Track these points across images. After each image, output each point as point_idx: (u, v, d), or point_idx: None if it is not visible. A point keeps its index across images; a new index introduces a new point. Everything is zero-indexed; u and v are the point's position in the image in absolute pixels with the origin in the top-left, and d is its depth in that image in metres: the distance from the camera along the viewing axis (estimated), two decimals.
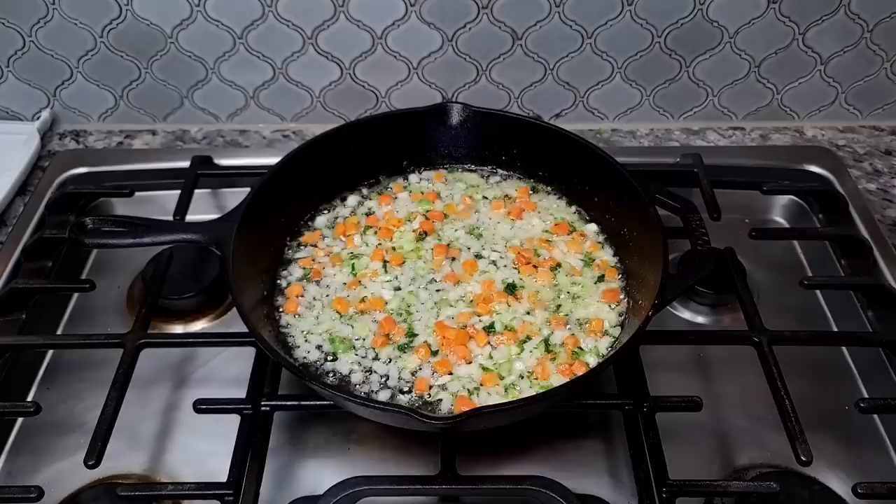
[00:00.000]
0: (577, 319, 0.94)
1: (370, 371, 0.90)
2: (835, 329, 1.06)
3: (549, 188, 1.11)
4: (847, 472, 0.88)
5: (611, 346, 0.92)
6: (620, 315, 0.95)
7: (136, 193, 1.16)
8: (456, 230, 1.06)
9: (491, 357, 0.90)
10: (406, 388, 0.88)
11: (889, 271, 1.04)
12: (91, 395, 0.95)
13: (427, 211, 1.08)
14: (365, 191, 1.12)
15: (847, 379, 1.00)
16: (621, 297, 0.97)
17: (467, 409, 0.81)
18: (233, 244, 0.90)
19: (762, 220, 1.21)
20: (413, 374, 0.89)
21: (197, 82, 1.33)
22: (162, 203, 1.17)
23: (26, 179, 1.27)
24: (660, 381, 0.90)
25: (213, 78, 1.32)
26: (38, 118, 1.35)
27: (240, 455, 0.84)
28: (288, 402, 0.90)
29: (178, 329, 1.05)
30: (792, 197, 1.20)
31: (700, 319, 1.07)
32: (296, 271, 1.01)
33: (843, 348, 1.03)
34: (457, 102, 1.09)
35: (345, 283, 0.99)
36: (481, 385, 0.88)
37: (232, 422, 0.87)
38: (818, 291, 1.10)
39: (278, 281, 1.00)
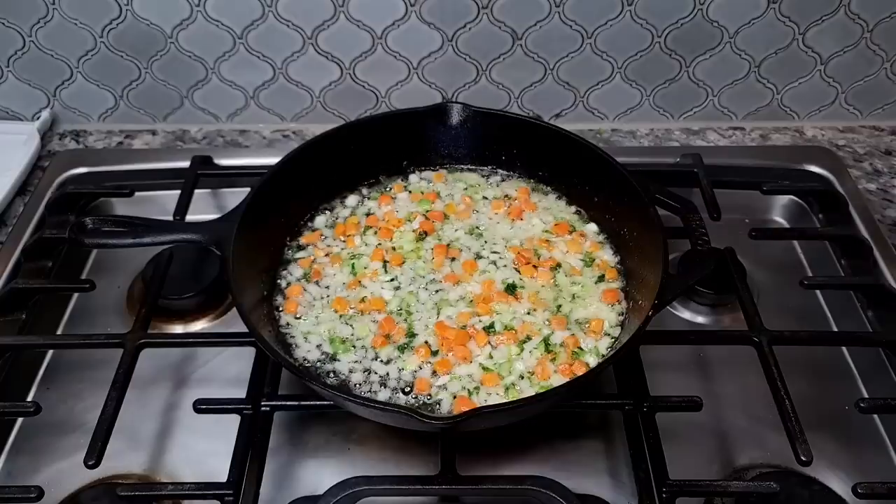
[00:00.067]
0: (577, 319, 0.94)
1: (370, 371, 0.90)
2: (835, 329, 1.06)
3: (549, 188, 1.11)
4: (847, 472, 0.88)
5: (611, 346, 0.92)
6: (620, 315, 0.95)
7: (136, 193, 1.16)
8: (456, 230, 1.06)
9: (491, 357, 0.90)
10: (406, 388, 0.88)
11: (889, 271, 1.04)
12: (91, 395, 0.95)
13: (427, 211, 1.08)
14: (365, 191, 1.12)
15: (847, 379, 1.00)
16: (621, 297, 0.97)
17: (467, 409, 0.81)
18: (233, 244, 0.90)
19: (762, 220, 1.21)
20: (413, 374, 0.89)
21: (197, 82, 1.33)
22: (162, 203, 1.17)
23: (26, 179, 1.27)
24: (660, 381, 0.90)
25: (213, 78, 1.32)
26: (38, 118, 1.35)
27: (240, 455, 0.84)
28: (288, 402, 0.90)
29: (178, 329, 1.05)
30: (792, 197, 1.20)
31: (700, 319, 1.07)
32: (296, 271, 1.01)
33: (843, 348, 1.03)
34: (457, 102, 1.09)
35: (345, 283, 0.99)
36: (481, 385, 0.88)
37: (232, 422, 0.87)
38: (818, 291, 1.10)
39: (278, 281, 1.00)
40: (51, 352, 1.03)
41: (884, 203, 1.24)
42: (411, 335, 0.93)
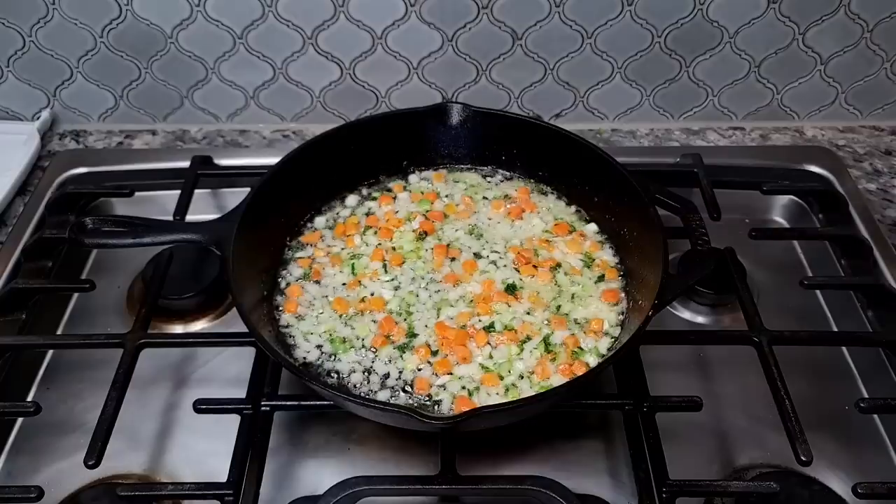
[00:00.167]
0: (576, 319, 0.94)
1: (370, 371, 0.90)
2: (835, 329, 1.06)
3: (549, 188, 1.11)
4: (847, 472, 0.88)
5: (611, 347, 0.92)
6: (620, 315, 0.95)
7: (136, 193, 1.16)
8: (456, 230, 1.06)
9: (491, 357, 0.90)
10: (406, 388, 0.88)
11: (889, 271, 1.04)
12: (91, 395, 0.95)
13: (427, 211, 1.08)
14: (365, 191, 1.12)
15: (847, 379, 1.00)
16: (621, 297, 0.97)
17: (467, 409, 0.81)
18: (233, 244, 0.90)
19: (762, 220, 1.21)
20: (413, 374, 0.89)
21: (197, 82, 1.33)
22: (162, 203, 1.17)
23: (26, 179, 1.27)
24: (660, 381, 0.90)
25: (213, 78, 1.32)
26: (38, 118, 1.35)
27: (240, 455, 0.84)
28: (288, 402, 0.90)
29: (178, 329, 1.05)
30: (792, 197, 1.20)
31: (700, 319, 1.07)
32: (296, 271, 1.01)
33: (843, 348, 1.03)
34: (457, 102, 1.09)
35: (345, 283, 0.99)
36: (481, 385, 0.88)
37: (232, 422, 0.87)
38: (818, 291, 1.10)
39: (278, 281, 1.00)
40: (51, 352, 1.03)
41: (884, 203, 1.24)
42: (411, 335, 0.93)
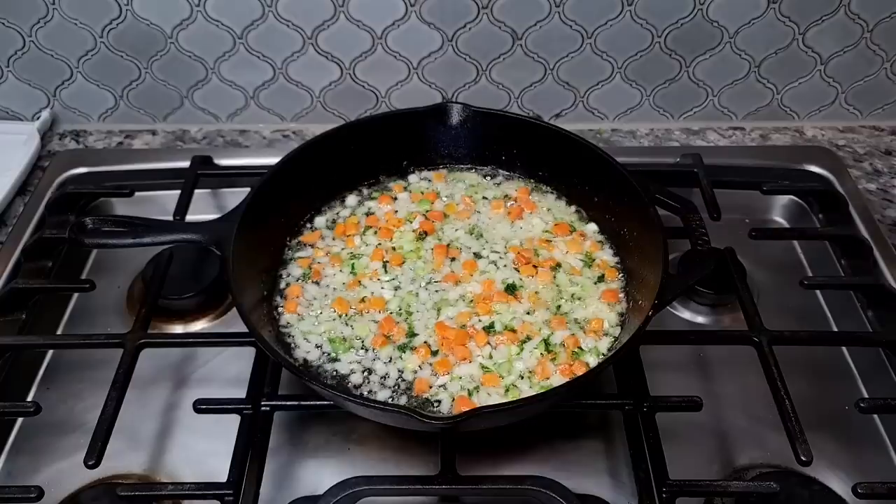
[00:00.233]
0: (576, 319, 0.94)
1: (370, 371, 0.90)
2: (835, 329, 1.06)
3: (549, 188, 1.11)
4: (847, 472, 0.88)
5: (611, 346, 0.92)
6: (620, 315, 0.95)
7: (136, 193, 1.16)
8: (456, 230, 1.06)
9: (491, 357, 0.90)
10: (406, 388, 0.88)
11: (889, 271, 1.04)
12: (91, 395, 0.95)
13: (427, 211, 1.08)
14: (365, 191, 1.12)
15: (847, 379, 1.00)
16: (621, 297, 0.97)
17: (467, 409, 0.81)
18: (233, 244, 0.90)
19: (762, 220, 1.21)
20: (413, 374, 0.89)
21: (197, 82, 1.33)
22: (162, 203, 1.17)
23: (26, 179, 1.27)
24: (660, 381, 0.90)
25: (213, 78, 1.32)
26: (38, 118, 1.35)
27: (240, 455, 0.84)
28: (288, 402, 0.90)
29: (178, 329, 1.05)
30: (792, 197, 1.20)
31: (700, 319, 1.07)
32: (296, 271, 1.01)
33: (843, 348, 1.03)
34: (457, 102, 1.09)
35: (345, 283, 0.99)
36: (481, 385, 0.88)
37: (232, 422, 0.87)
38: (818, 291, 1.10)
39: (278, 281, 1.00)
40: (51, 352, 1.03)
41: (884, 203, 1.24)
42: (411, 335, 0.93)
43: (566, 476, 0.82)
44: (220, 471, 0.82)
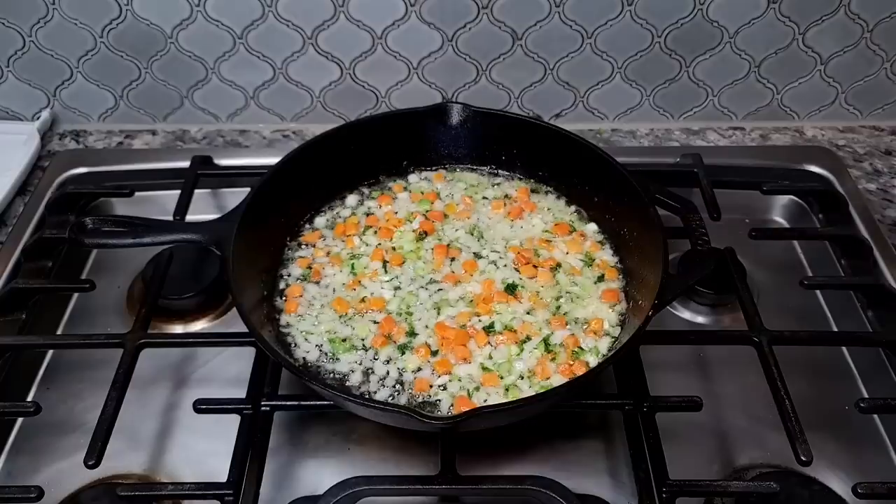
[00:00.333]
0: (577, 319, 0.94)
1: (370, 371, 0.90)
2: (835, 329, 1.06)
3: (549, 188, 1.11)
4: (847, 472, 0.88)
5: (611, 346, 0.92)
6: (620, 315, 0.95)
7: (136, 193, 1.16)
8: (456, 230, 1.06)
9: (491, 357, 0.90)
10: (406, 388, 0.88)
11: (889, 271, 1.04)
12: (91, 395, 0.95)
13: (427, 211, 1.08)
14: (365, 191, 1.12)
15: (847, 379, 1.00)
16: (621, 296, 0.97)
17: (467, 409, 0.81)
18: (233, 244, 0.90)
19: (762, 220, 1.21)
20: (413, 374, 0.89)
21: (197, 82, 1.33)
22: (162, 203, 1.17)
23: (26, 179, 1.27)
24: (660, 381, 0.90)
25: (213, 78, 1.32)
26: (38, 118, 1.35)
27: (240, 455, 0.84)
28: (288, 402, 0.90)
29: (178, 329, 1.05)
30: (792, 197, 1.20)
31: (700, 319, 1.07)
32: (295, 271, 1.01)
33: (843, 348, 1.03)
34: (457, 102, 1.09)
35: (345, 284, 0.99)
36: (481, 385, 0.88)
37: (232, 422, 0.87)
38: (818, 291, 1.10)
39: (278, 281, 1.00)
40: (51, 352, 1.03)
41: (884, 203, 1.24)
42: (411, 335, 0.93)
43: (566, 476, 0.82)
44: (220, 471, 0.82)
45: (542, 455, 0.90)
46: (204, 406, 0.87)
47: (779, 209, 1.22)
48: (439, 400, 0.87)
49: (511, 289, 0.97)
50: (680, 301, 1.07)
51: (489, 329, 0.93)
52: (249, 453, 0.85)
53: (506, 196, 1.10)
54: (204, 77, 1.32)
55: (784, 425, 0.83)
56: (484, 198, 1.10)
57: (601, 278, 0.99)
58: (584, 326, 0.94)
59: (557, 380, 0.88)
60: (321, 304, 0.97)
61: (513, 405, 0.80)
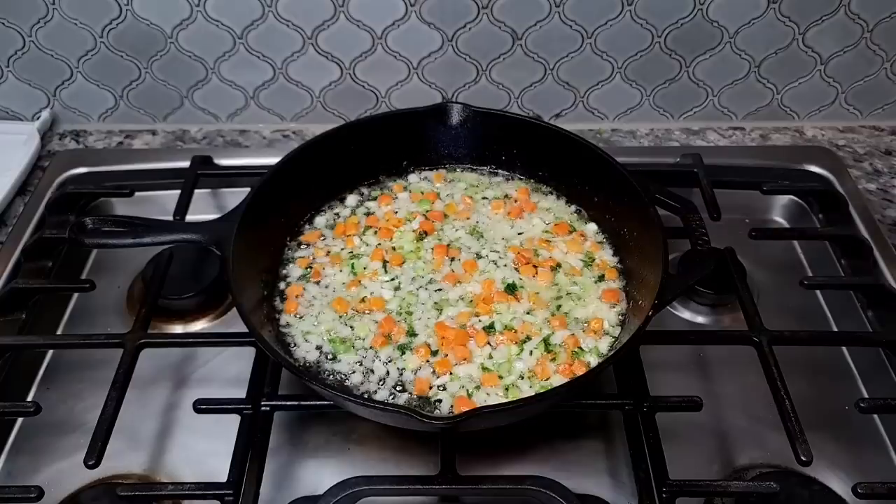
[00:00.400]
0: (577, 319, 0.94)
1: (370, 371, 0.90)
2: (835, 329, 1.06)
3: (549, 188, 1.11)
4: (847, 472, 0.88)
5: (611, 346, 0.92)
6: (620, 315, 0.95)
7: (136, 193, 1.16)
8: (456, 230, 1.06)
9: (491, 357, 0.90)
10: (406, 388, 0.88)
11: (889, 271, 1.04)
12: (91, 395, 0.95)
13: (427, 211, 1.08)
14: (365, 191, 1.12)
15: (847, 379, 1.00)
16: (621, 296, 0.97)
17: (467, 409, 0.81)
18: (233, 244, 0.90)
19: (762, 220, 1.21)
20: (413, 374, 0.89)
21: (197, 82, 1.33)
22: (162, 203, 1.17)
23: (26, 179, 1.27)
24: (660, 381, 0.90)
25: (213, 78, 1.32)
26: (38, 118, 1.35)
27: (240, 455, 0.84)
28: (288, 402, 0.90)
29: (178, 329, 1.05)
30: (792, 197, 1.20)
31: (700, 319, 1.07)
32: (296, 271, 1.01)
33: (843, 348, 1.03)
34: (457, 102, 1.09)
35: (345, 283, 0.99)
36: (481, 385, 0.88)
37: (232, 422, 0.87)
38: (818, 291, 1.10)
39: (278, 281, 1.00)
40: (51, 352, 1.03)
41: (884, 203, 1.24)
42: (411, 335, 0.93)
43: (566, 476, 0.82)
44: (220, 471, 0.82)
45: (542, 455, 0.90)
46: (204, 406, 0.87)
47: (779, 209, 1.22)
48: (439, 400, 0.87)
49: (511, 289, 0.97)
50: (680, 301, 1.07)
51: (489, 329, 0.93)
52: (249, 453, 0.85)
53: (506, 196, 1.10)
54: (204, 77, 1.32)
55: (784, 425, 0.83)
56: (484, 198, 1.10)
57: (601, 278, 0.99)
58: (584, 326, 0.94)
59: (557, 380, 0.88)
60: (321, 304, 0.97)
61: (513, 405, 0.80)
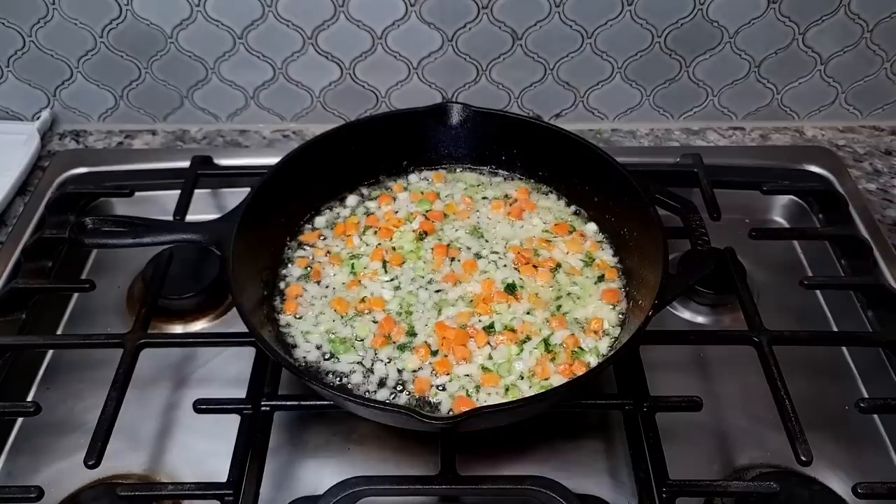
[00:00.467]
0: (576, 319, 0.94)
1: (370, 371, 0.90)
2: (835, 329, 1.06)
3: (549, 188, 1.11)
4: (847, 472, 0.88)
5: (611, 346, 0.92)
6: (620, 315, 0.95)
7: (136, 193, 1.16)
8: (456, 230, 1.06)
9: (491, 357, 0.90)
10: (406, 389, 0.88)
11: (889, 271, 1.04)
12: (91, 395, 0.95)
13: (427, 211, 1.08)
14: (365, 191, 1.12)
15: (847, 379, 1.00)
16: (621, 296, 0.97)
17: (467, 409, 0.81)
18: (233, 244, 0.90)
19: (762, 220, 1.21)
20: (413, 374, 0.89)
21: (197, 82, 1.33)
22: (162, 203, 1.17)
23: (26, 179, 1.27)
24: (660, 381, 0.90)
25: (213, 78, 1.32)
26: (38, 118, 1.35)
27: (240, 455, 0.84)
28: (288, 402, 0.90)
29: (178, 329, 1.05)
30: (792, 197, 1.20)
31: (700, 319, 1.07)
32: (295, 271, 1.01)
33: (843, 348, 1.03)
34: (457, 102, 1.09)
35: (344, 283, 0.99)
36: (481, 385, 0.88)
37: (232, 422, 0.87)
38: (818, 291, 1.10)
39: (278, 281, 1.00)
40: (51, 352, 1.03)
41: (884, 203, 1.24)
42: (411, 335, 0.93)
43: (566, 476, 0.82)
44: (220, 471, 0.82)
45: (542, 455, 0.90)
46: (204, 406, 0.87)
47: (779, 209, 1.22)
48: (439, 400, 0.87)
49: (511, 289, 0.97)
50: (680, 301, 1.07)
51: (489, 329, 0.93)
52: (249, 453, 0.85)
53: (506, 196, 1.10)
54: (204, 77, 1.32)
55: (784, 425, 0.83)
56: (484, 198, 1.10)
57: (601, 278, 0.99)
58: (584, 326, 0.94)
59: (557, 380, 0.88)
60: (321, 304, 0.97)
61: (513, 405, 0.80)
